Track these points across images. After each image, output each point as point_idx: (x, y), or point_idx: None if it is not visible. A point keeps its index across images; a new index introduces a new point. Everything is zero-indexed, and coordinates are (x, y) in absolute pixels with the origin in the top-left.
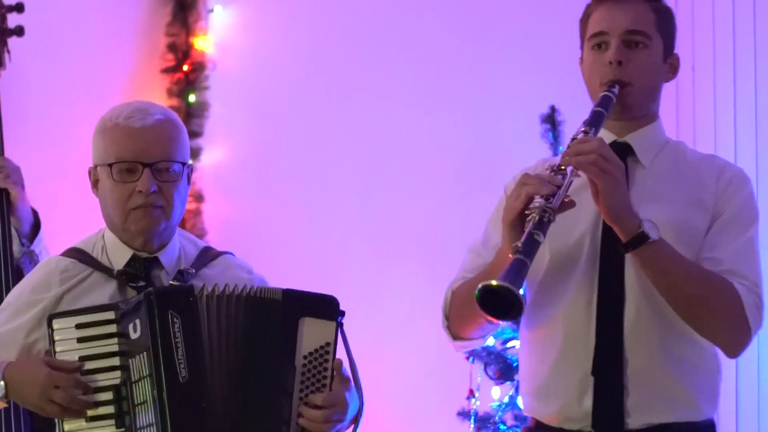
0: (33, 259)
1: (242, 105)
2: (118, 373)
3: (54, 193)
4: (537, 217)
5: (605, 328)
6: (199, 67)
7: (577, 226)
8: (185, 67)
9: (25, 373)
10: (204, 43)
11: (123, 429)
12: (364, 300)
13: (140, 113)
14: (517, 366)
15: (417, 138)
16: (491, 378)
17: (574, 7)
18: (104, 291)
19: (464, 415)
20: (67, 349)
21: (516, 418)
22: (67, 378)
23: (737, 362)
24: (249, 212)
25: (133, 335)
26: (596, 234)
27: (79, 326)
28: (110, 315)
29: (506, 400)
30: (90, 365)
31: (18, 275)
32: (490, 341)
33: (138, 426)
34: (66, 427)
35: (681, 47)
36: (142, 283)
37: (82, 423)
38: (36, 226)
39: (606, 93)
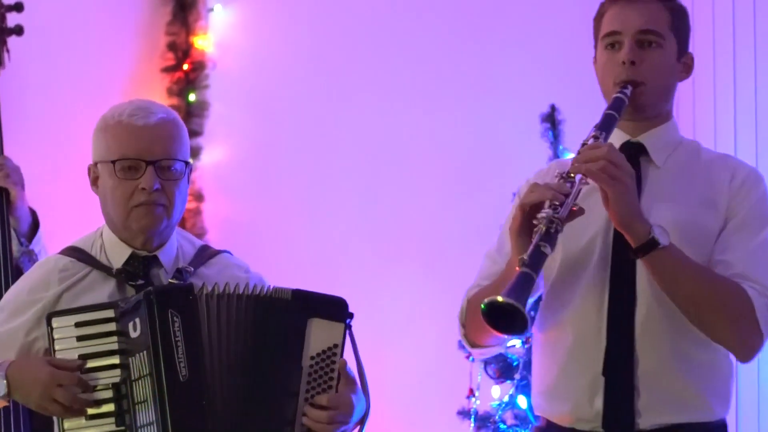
0: (32, 259)
1: (242, 104)
2: (117, 372)
3: (53, 192)
4: (544, 229)
5: (616, 330)
6: (199, 67)
7: (588, 228)
8: (185, 67)
9: (26, 372)
10: (204, 43)
11: (123, 427)
12: (364, 300)
13: (143, 111)
14: (517, 365)
15: (417, 137)
16: (491, 377)
17: (575, 6)
18: (103, 289)
19: (464, 414)
20: (67, 348)
21: (516, 417)
22: (69, 377)
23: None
24: (249, 211)
25: (133, 334)
26: (608, 235)
27: (78, 324)
28: (110, 313)
29: (506, 399)
30: (90, 364)
31: (17, 274)
32: None
33: (138, 424)
34: (66, 425)
35: None
36: (141, 282)
37: (82, 421)
38: (35, 225)
39: (618, 95)
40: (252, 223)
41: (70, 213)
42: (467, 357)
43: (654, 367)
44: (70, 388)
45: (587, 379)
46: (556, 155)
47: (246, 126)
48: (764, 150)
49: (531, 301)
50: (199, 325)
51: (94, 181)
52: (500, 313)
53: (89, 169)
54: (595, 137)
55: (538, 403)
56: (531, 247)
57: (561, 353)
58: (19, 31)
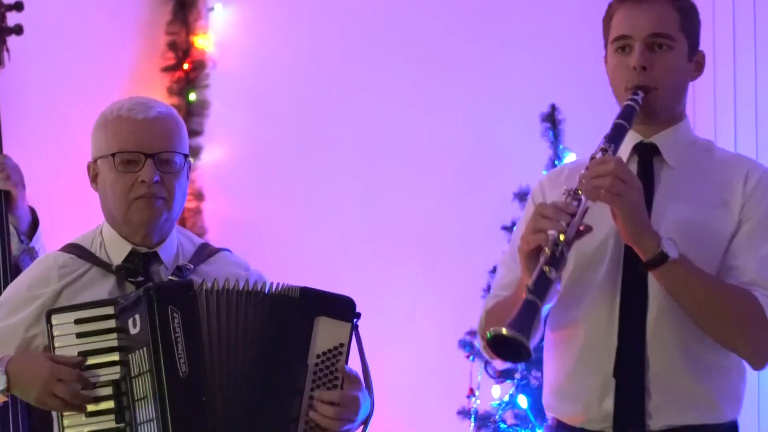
0: (32, 256)
1: (242, 104)
2: (117, 368)
3: (53, 191)
4: (549, 253)
5: (627, 331)
6: (199, 66)
7: (600, 229)
8: (185, 66)
9: (27, 367)
10: (204, 42)
11: (123, 424)
12: (364, 299)
13: (141, 106)
14: (517, 364)
15: (417, 137)
16: (491, 377)
17: (575, 6)
18: (103, 286)
19: (464, 413)
20: (66, 345)
21: (516, 417)
22: (70, 372)
23: None
24: (249, 211)
25: (133, 330)
26: (620, 237)
27: (78, 321)
28: (109, 310)
29: (506, 398)
30: (90, 360)
31: (16, 273)
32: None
33: (138, 421)
34: (66, 422)
35: None
36: (140, 278)
37: (81, 418)
38: (34, 224)
39: (629, 102)
40: (252, 223)
41: (70, 211)
42: (467, 356)
43: (665, 369)
44: (71, 384)
45: (598, 380)
46: (556, 155)
47: (246, 125)
48: (764, 150)
49: (548, 307)
50: (199, 322)
51: (94, 179)
52: (505, 343)
53: (89, 166)
54: (604, 150)
55: (548, 402)
56: (535, 273)
57: (572, 353)
58: (18, 30)
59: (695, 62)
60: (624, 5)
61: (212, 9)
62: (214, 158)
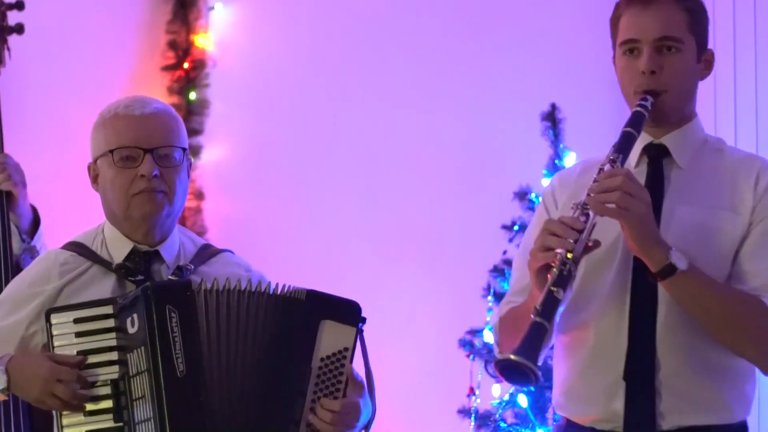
0: (33, 255)
1: (242, 103)
2: (116, 368)
3: (54, 190)
4: (557, 272)
5: (637, 333)
6: (199, 65)
7: (611, 230)
8: (186, 65)
9: (27, 366)
10: (204, 41)
11: (121, 423)
12: (364, 299)
13: (138, 103)
14: None
15: (417, 136)
16: (491, 376)
17: (575, 5)
18: (103, 285)
19: (464, 412)
20: (66, 344)
21: (516, 416)
22: (69, 372)
23: None
24: (249, 210)
25: (131, 330)
26: None
27: (77, 321)
28: (108, 309)
29: (506, 397)
30: (89, 359)
31: (17, 271)
32: (491, 339)
33: (136, 420)
34: (65, 422)
35: None
36: (140, 277)
37: (80, 417)
38: (35, 222)
39: (638, 109)
40: (252, 222)
41: (71, 210)
42: (467, 356)
43: (674, 371)
44: (70, 384)
45: (608, 382)
46: (556, 154)
47: (246, 125)
48: (764, 150)
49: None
50: (198, 322)
51: (95, 179)
52: (513, 368)
53: (89, 167)
54: (612, 161)
55: (558, 402)
56: (543, 294)
57: (582, 355)
58: (19, 29)
59: (704, 61)
60: (631, 8)
61: (212, 8)
62: (215, 157)
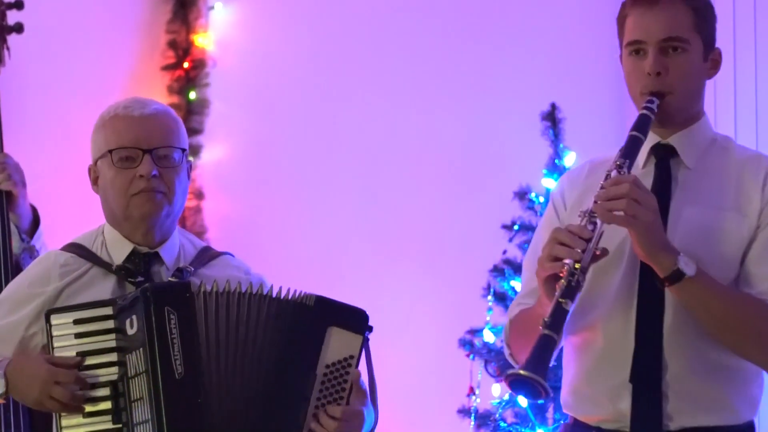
0: (33, 255)
1: (242, 102)
2: (115, 369)
3: (54, 189)
4: (565, 284)
5: (644, 335)
6: (199, 65)
7: (618, 233)
8: (186, 65)
9: (25, 369)
10: (204, 41)
11: (120, 425)
12: (363, 299)
13: (138, 104)
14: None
15: (417, 136)
16: (491, 375)
17: (575, 5)
18: (103, 286)
19: (464, 412)
20: (65, 345)
21: (516, 415)
22: (67, 374)
23: None
24: (249, 210)
25: (130, 331)
26: None
27: (77, 322)
28: (108, 311)
29: (506, 397)
30: (88, 361)
31: (17, 271)
32: (490, 338)
33: (135, 422)
34: (64, 422)
35: None
36: (140, 279)
37: (80, 419)
38: (35, 222)
39: (644, 112)
40: (252, 222)
41: (71, 210)
42: (467, 355)
43: (681, 373)
44: (69, 386)
45: (615, 383)
46: (556, 153)
47: (246, 124)
48: (764, 150)
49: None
50: (197, 324)
51: (95, 181)
52: (522, 382)
53: (89, 169)
54: (619, 167)
55: (566, 401)
56: (552, 306)
57: (590, 356)
58: (19, 29)
59: (711, 60)
60: (636, 8)
61: (212, 8)
62: (214, 157)
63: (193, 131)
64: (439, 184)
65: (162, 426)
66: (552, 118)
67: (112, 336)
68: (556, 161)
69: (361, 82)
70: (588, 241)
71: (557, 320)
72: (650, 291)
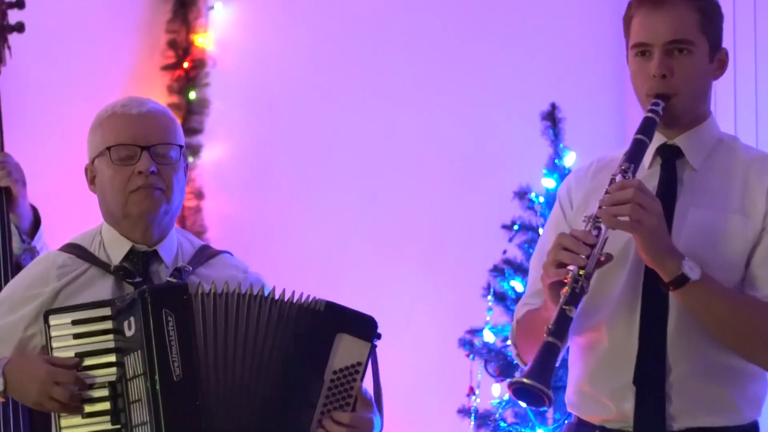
0: (34, 256)
1: (242, 102)
2: (114, 370)
3: (54, 189)
4: (569, 291)
5: (648, 337)
6: (199, 64)
7: (622, 234)
8: (185, 64)
9: (24, 369)
10: (204, 40)
11: (118, 426)
12: (364, 298)
13: (135, 102)
14: (517, 364)
15: (417, 136)
16: (491, 375)
17: (575, 4)
18: (101, 286)
19: (464, 412)
20: (64, 345)
21: (516, 415)
22: (67, 374)
23: None
24: (249, 209)
25: (128, 333)
26: None
27: (75, 322)
28: (106, 311)
29: (506, 397)
30: (86, 362)
31: (17, 271)
32: (490, 338)
33: (133, 423)
34: (63, 423)
35: None
36: (138, 279)
37: (78, 419)
38: (36, 222)
39: (649, 115)
40: (252, 221)
41: (72, 210)
42: (467, 355)
43: (685, 375)
44: (68, 386)
45: (619, 385)
46: (556, 153)
47: (246, 124)
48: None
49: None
50: (194, 325)
51: (92, 180)
52: (526, 390)
53: (86, 169)
54: (624, 171)
55: (570, 400)
56: (556, 314)
57: (595, 357)
58: (20, 28)
59: (718, 60)
60: (642, 9)
61: (212, 7)
62: (214, 157)
63: (193, 131)
64: (439, 184)
65: (160, 428)
66: (552, 118)
67: (111, 337)
68: (556, 161)
69: (361, 82)
70: (592, 246)
71: (561, 327)
72: (654, 293)
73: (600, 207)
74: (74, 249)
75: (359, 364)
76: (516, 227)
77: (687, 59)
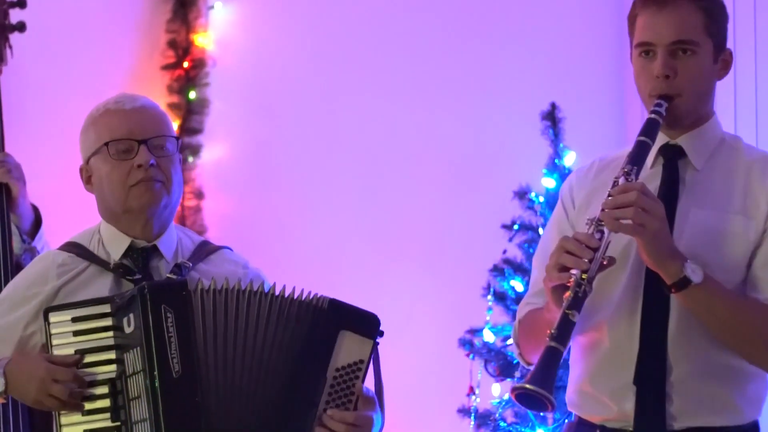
0: (34, 256)
1: (242, 102)
2: (114, 367)
3: (54, 189)
4: (572, 295)
5: (649, 338)
6: (199, 64)
7: (624, 235)
8: (185, 64)
9: (24, 368)
10: (204, 40)
11: (118, 423)
12: (363, 298)
13: (128, 98)
14: (517, 363)
15: (417, 135)
16: (491, 375)
17: (575, 4)
18: (101, 284)
19: (464, 412)
20: (64, 343)
21: (516, 415)
22: (66, 372)
23: None
24: (249, 209)
25: (128, 329)
26: None
27: (75, 320)
28: (106, 308)
29: (506, 397)
30: (87, 359)
31: (18, 271)
32: (490, 338)
33: (133, 420)
34: (63, 420)
35: None
36: (137, 276)
37: (79, 416)
38: (37, 222)
39: (652, 116)
40: (252, 221)
41: (72, 210)
42: (467, 355)
43: (685, 375)
44: (67, 384)
45: (620, 385)
46: (556, 153)
47: (246, 124)
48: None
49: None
50: (194, 322)
51: (88, 180)
52: (528, 395)
53: (81, 169)
54: (627, 173)
55: (571, 399)
56: (559, 318)
57: (596, 356)
58: (21, 27)
59: (722, 61)
60: (647, 9)
61: (212, 7)
62: (214, 156)
63: (193, 131)
64: (439, 184)
65: (160, 425)
66: (552, 117)
67: (110, 334)
68: (556, 161)
69: (361, 82)
70: (595, 250)
71: (564, 332)
72: (655, 294)
73: (603, 210)
74: (73, 247)
75: (361, 361)
76: (516, 227)
77: (691, 60)
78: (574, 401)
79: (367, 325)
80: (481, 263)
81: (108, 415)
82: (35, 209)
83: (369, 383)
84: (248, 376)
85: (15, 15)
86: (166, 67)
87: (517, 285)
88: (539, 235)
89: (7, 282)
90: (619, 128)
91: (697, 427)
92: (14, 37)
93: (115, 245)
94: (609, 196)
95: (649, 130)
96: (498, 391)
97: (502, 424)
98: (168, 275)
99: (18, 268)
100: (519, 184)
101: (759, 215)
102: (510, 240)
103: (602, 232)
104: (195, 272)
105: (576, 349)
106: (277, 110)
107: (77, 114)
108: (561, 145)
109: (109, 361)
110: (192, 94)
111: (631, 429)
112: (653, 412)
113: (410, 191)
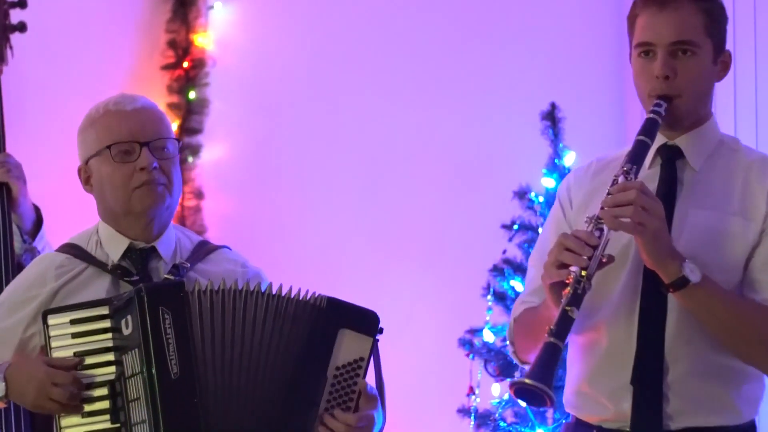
0: (34, 256)
1: (242, 102)
2: (112, 369)
3: (54, 189)
4: (571, 292)
5: (647, 338)
6: (199, 64)
7: (623, 234)
8: (185, 64)
9: (23, 372)
10: (204, 40)
11: (118, 425)
12: (363, 298)
13: (127, 98)
14: (517, 363)
15: (417, 135)
16: (491, 375)
17: (575, 4)
18: (99, 286)
19: (464, 412)
20: (63, 345)
21: (516, 415)
22: (65, 375)
23: None
24: (249, 209)
25: (126, 331)
26: None
27: (73, 322)
28: (104, 310)
29: (506, 397)
30: (85, 361)
31: (19, 272)
32: (490, 338)
33: (132, 422)
34: (63, 422)
35: None
36: (136, 278)
37: (78, 418)
38: (38, 222)
39: (651, 116)
40: (252, 221)
41: (72, 210)
42: (467, 355)
43: (683, 375)
44: (66, 387)
45: (617, 385)
46: (556, 153)
47: (246, 123)
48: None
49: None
50: (191, 323)
51: (87, 181)
52: (527, 390)
53: (79, 170)
54: (626, 172)
55: (569, 400)
56: (558, 315)
57: (594, 357)
58: (22, 27)
59: (721, 62)
60: (647, 9)
61: (212, 7)
62: (214, 156)
63: (193, 131)
64: (439, 184)
65: (159, 426)
66: (552, 117)
67: (109, 336)
68: (556, 161)
69: (361, 82)
70: (595, 248)
71: (563, 328)
72: (653, 293)
73: (602, 208)
74: (71, 249)
75: (362, 359)
76: (516, 227)
77: (691, 61)
78: (572, 402)
79: (367, 322)
80: (480, 263)
81: (107, 416)
82: (36, 209)
83: (370, 381)
84: (247, 376)
85: (15, 15)
86: (166, 67)
87: (517, 285)
88: (539, 235)
89: (8, 282)
90: (619, 128)
91: (695, 427)
92: (15, 37)
93: (113, 246)
94: (608, 194)
95: (649, 129)
96: (498, 391)
97: (502, 424)
98: (166, 276)
99: (19, 268)
100: (519, 184)
101: (757, 216)
102: (510, 240)
103: (602, 230)
104: (194, 272)
105: (574, 349)
106: (277, 110)
107: (77, 114)
108: (561, 145)
109: (108, 363)
110: (192, 94)
111: (628, 429)
112: (650, 412)
113: (410, 191)
